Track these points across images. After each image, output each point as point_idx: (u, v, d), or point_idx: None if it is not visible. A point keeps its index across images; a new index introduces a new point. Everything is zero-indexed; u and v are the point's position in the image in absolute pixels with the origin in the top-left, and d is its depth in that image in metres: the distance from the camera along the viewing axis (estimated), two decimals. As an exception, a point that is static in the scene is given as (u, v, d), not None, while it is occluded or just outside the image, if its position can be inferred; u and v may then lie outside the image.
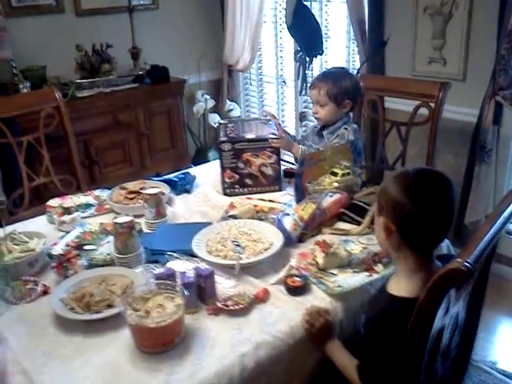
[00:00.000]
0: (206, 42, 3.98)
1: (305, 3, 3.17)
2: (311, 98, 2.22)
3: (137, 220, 1.85)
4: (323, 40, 3.24)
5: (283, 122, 4.02)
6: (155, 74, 3.51)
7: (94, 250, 1.65)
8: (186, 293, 1.28)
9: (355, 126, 2.21)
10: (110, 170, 3.40)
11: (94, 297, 1.37)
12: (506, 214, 1.03)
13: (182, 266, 1.52)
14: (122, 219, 1.57)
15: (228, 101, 4.11)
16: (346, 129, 2.15)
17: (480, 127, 2.58)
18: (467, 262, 0.83)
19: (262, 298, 1.41)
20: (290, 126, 3.94)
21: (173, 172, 2.34)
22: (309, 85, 2.27)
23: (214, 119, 3.99)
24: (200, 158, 4.03)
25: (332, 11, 3.35)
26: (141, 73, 3.49)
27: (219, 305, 1.36)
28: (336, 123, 2.17)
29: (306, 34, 3.23)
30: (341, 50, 3.36)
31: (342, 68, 2.46)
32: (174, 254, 1.59)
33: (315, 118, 2.26)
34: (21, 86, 3.02)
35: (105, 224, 1.83)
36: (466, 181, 2.72)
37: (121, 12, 3.51)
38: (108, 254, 1.62)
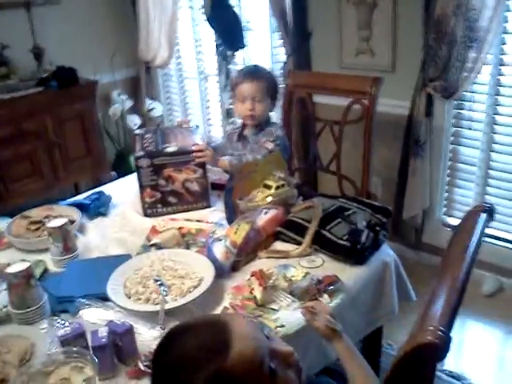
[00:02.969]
0: (118, 38, 3.63)
1: (222, -7, 2.96)
2: (240, 94, 1.97)
3: (41, 258, 1.58)
4: (244, 33, 3.03)
5: (209, 120, 3.80)
6: (62, 76, 3.14)
7: (-15, 302, 1.37)
8: (97, 361, 1.04)
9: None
10: (18, 185, 3.05)
11: (-20, 374, 1.10)
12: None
13: (95, 317, 1.28)
14: (16, 267, 1.29)
15: (148, 99, 3.82)
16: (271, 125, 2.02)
17: (412, 120, 2.49)
18: (441, 331, 0.65)
19: (193, 349, 1.19)
20: (216, 123, 3.72)
21: (93, 185, 2.13)
22: (234, 80, 2.04)
23: (134, 120, 3.69)
24: (121, 163, 3.75)
25: (252, 2, 3.13)
26: (45, 75, 3.12)
27: (141, 366, 1.13)
28: (267, 122, 2.03)
29: (226, 26, 3.03)
30: (264, 42, 3.16)
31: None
32: (86, 301, 1.34)
33: (248, 117, 1.98)
34: None
35: (1, 266, 1.53)
36: (401, 175, 2.63)
37: (16, 7, 3.11)
38: (4, 307, 1.34)
